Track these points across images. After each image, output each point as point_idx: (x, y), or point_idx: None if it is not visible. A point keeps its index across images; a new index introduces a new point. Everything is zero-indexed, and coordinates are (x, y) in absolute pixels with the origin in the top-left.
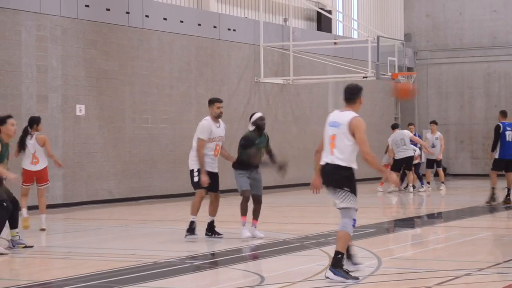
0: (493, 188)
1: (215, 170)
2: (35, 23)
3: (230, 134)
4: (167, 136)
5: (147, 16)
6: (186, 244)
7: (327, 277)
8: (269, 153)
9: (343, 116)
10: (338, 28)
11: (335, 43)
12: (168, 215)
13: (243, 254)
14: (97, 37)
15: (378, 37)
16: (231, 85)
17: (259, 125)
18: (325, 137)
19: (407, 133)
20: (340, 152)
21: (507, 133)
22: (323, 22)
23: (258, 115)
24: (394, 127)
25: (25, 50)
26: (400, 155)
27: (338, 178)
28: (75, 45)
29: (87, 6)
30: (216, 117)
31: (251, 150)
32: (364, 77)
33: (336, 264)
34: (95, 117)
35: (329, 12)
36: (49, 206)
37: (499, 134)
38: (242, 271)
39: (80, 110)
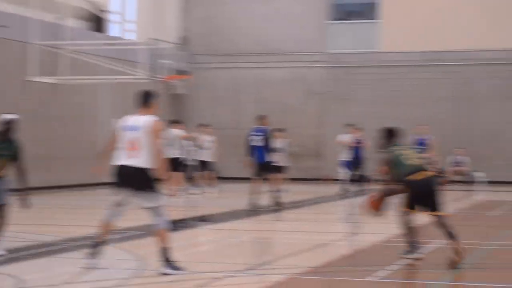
0: (254, 194)
1: None
2: None
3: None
4: None
5: None
6: None
7: (164, 273)
8: (19, 170)
9: (142, 119)
10: (115, 29)
11: (110, 44)
12: None
13: None
14: None
15: (153, 39)
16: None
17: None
18: (122, 140)
19: (177, 133)
20: (141, 155)
21: (253, 138)
22: (98, 23)
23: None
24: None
25: None
26: (170, 155)
27: (142, 180)
28: None
29: None
30: None
31: None
32: (138, 79)
33: (169, 259)
34: None
35: (105, 12)
36: None
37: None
38: None
39: None
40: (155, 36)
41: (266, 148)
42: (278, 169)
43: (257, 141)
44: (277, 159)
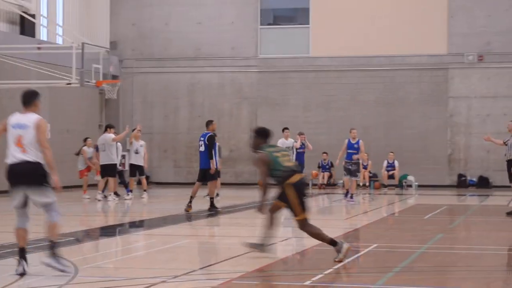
0: (191, 197)
1: None
2: None
3: None
4: None
5: None
6: None
7: (48, 264)
8: None
9: (27, 118)
10: (42, 33)
11: (38, 48)
12: None
13: None
14: None
15: (82, 43)
16: None
17: None
18: (10, 138)
19: (110, 137)
20: (30, 151)
21: (200, 143)
22: (26, 26)
23: None
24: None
25: None
26: (103, 160)
27: (37, 175)
28: None
29: None
30: None
31: None
32: (68, 84)
33: (56, 253)
34: None
35: (33, 16)
36: None
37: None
38: None
39: None
40: (84, 40)
41: (206, 154)
42: (217, 174)
43: (201, 146)
44: (215, 164)
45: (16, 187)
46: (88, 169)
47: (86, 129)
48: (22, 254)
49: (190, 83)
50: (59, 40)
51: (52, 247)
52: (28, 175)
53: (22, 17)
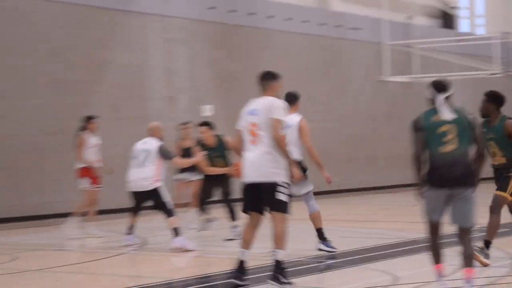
0: None
1: None
2: (162, 25)
3: (358, 133)
4: None
5: (271, 16)
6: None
7: (320, 249)
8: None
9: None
10: (463, 25)
11: (459, 40)
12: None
13: (372, 254)
14: (223, 38)
15: (505, 33)
16: (356, 84)
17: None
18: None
19: None
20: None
21: None
22: (447, 19)
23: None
24: None
25: (152, 52)
26: None
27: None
28: (201, 46)
29: (213, 7)
30: None
31: None
32: (491, 75)
33: (323, 237)
34: (223, 118)
35: (454, 8)
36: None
37: None
38: (373, 270)
39: (207, 110)
40: (506, 29)
41: None
42: None
43: None
44: None
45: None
46: None
47: None
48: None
49: None
50: (480, 31)
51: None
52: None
53: (443, 11)
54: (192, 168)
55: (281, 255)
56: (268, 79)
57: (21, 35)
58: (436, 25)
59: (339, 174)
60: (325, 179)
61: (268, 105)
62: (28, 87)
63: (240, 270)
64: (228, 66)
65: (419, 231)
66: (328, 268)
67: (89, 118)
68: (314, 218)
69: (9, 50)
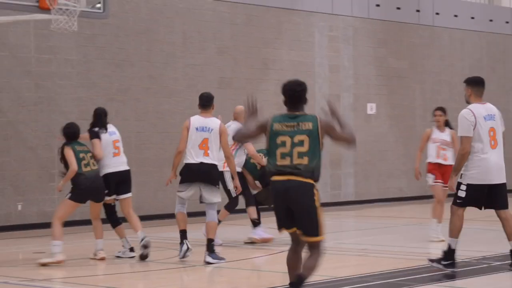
0: None
1: None
2: (328, 24)
3: None
4: None
5: (437, 13)
6: (486, 244)
7: (207, 262)
8: None
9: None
10: None
11: None
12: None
13: None
14: (387, 36)
15: None
16: None
17: None
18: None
19: None
20: None
21: None
22: None
23: None
24: None
25: (318, 50)
26: None
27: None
28: (366, 44)
29: (378, 5)
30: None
31: None
32: None
33: (212, 250)
34: (386, 116)
35: None
36: (342, 204)
37: None
38: None
39: (371, 108)
40: None
41: None
42: None
43: None
44: None
45: None
46: None
47: None
48: None
49: None
50: None
51: (209, 244)
52: None
53: None
54: None
55: None
56: (484, 85)
57: (190, 33)
58: None
59: None
60: None
61: (498, 112)
62: (199, 85)
63: (450, 258)
64: (392, 64)
65: None
66: (495, 270)
67: None
68: None
69: (180, 47)
